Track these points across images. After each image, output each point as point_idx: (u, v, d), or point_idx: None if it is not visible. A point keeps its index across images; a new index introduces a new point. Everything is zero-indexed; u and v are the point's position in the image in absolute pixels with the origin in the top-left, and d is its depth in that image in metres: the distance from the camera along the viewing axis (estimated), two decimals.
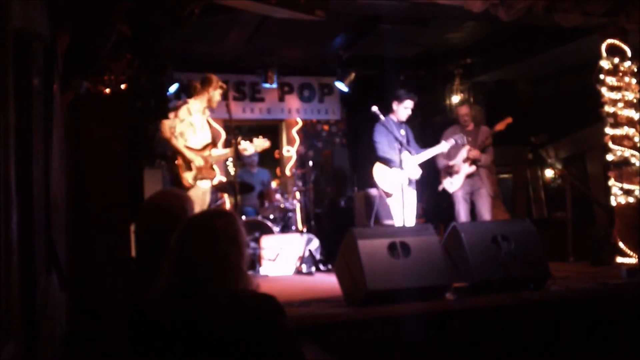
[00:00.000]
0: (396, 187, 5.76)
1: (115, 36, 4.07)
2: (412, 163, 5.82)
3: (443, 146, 6.10)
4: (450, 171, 6.47)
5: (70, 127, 4.19)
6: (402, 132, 6.01)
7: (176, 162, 5.32)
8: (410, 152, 5.73)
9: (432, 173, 6.75)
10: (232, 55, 7.95)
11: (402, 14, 6.16)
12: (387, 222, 5.91)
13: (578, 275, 5.11)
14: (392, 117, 6.06)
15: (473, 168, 6.39)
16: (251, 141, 5.73)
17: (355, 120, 9.13)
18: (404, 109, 6.03)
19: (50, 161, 2.91)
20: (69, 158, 4.09)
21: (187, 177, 5.33)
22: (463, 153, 6.39)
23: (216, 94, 5.46)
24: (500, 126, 6.33)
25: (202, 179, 5.40)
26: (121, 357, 3.41)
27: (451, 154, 6.44)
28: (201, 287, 1.87)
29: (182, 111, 5.39)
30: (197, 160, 5.35)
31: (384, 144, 5.90)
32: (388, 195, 5.90)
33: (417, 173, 5.92)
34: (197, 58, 7.77)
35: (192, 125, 5.42)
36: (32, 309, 2.36)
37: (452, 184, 6.47)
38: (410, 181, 5.90)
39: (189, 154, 5.33)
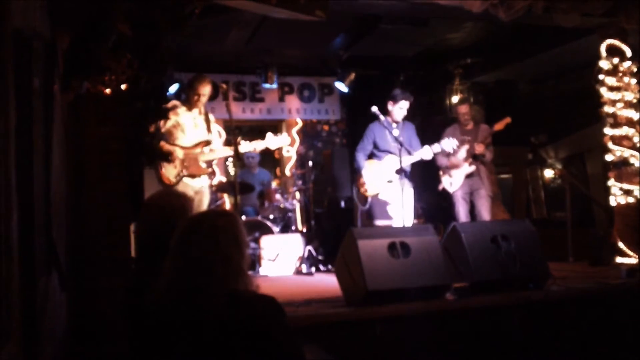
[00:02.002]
0: (383, 187, 5.81)
1: (115, 36, 4.06)
2: (394, 164, 5.78)
3: (425, 152, 5.84)
4: (450, 171, 6.47)
5: (71, 127, 4.18)
6: (396, 132, 5.92)
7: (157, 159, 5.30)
8: (409, 152, 5.73)
9: (432, 173, 6.74)
10: (232, 55, 7.95)
11: (402, 14, 6.16)
12: (380, 222, 5.87)
13: (578, 275, 5.12)
14: (388, 118, 6.04)
15: (473, 168, 6.38)
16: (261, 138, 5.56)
17: (355, 120, 9.11)
18: (399, 109, 5.99)
19: (50, 161, 2.91)
20: (69, 158, 4.09)
21: (167, 173, 5.28)
22: (463, 152, 6.38)
23: (202, 89, 5.44)
24: (499, 126, 6.32)
25: (188, 175, 5.33)
26: (122, 357, 3.41)
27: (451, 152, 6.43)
28: (202, 287, 1.87)
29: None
30: (178, 153, 5.31)
31: (365, 148, 6.01)
32: (379, 200, 5.92)
33: (394, 176, 5.88)
34: (197, 58, 7.76)
35: (180, 125, 5.42)
36: (32, 309, 2.36)
37: (451, 184, 6.47)
38: (404, 175, 5.88)
39: (166, 147, 5.29)
